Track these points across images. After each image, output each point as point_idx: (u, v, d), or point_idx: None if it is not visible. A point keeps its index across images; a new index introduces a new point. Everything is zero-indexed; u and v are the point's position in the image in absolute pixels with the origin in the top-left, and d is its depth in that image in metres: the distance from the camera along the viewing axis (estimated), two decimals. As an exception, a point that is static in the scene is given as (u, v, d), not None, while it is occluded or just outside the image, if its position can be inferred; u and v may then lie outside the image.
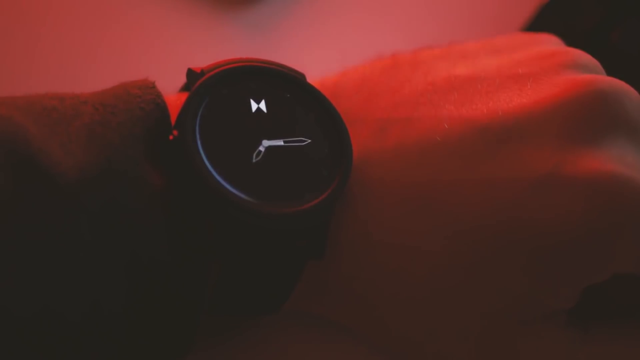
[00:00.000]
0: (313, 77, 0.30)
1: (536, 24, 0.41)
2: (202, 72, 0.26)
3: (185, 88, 0.28)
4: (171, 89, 0.29)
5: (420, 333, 0.27)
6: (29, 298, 0.22)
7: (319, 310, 0.29)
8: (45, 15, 0.41)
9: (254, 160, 0.25)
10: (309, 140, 0.27)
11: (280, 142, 0.26)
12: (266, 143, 0.26)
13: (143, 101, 0.25)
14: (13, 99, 0.25)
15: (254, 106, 0.26)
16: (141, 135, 0.24)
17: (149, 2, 0.42)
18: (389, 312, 0.27)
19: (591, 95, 0.26)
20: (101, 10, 0.42)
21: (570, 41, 0.31)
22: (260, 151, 0.26)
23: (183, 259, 0.24)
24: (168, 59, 0.39)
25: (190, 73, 0.27)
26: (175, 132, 0.25)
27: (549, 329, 0.27)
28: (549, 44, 0.31)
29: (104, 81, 0.28)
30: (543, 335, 0.27)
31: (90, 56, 0.39)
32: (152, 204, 0.24)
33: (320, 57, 0.38)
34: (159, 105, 0.25)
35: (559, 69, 0.28)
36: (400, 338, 0.28)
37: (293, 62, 0.30)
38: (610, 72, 0.28)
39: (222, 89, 0.26)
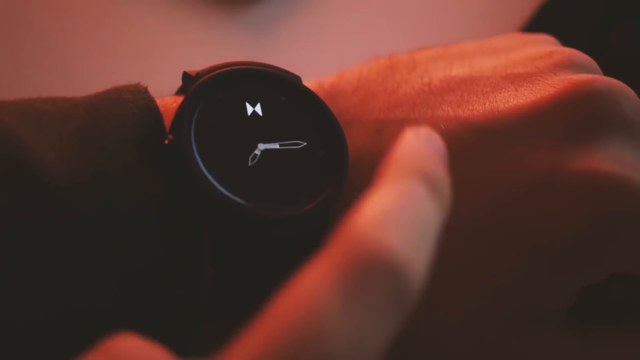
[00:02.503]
0: (310, 79, 0.30)
1: (536, 24, 0.41)
2: (198, 76, 0.26)
3: (181, 91, 0.28)
4: (168, 91, 0.29)
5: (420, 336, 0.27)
6: (23, 304, 0.22)
7: None
8: (43, 16, 0.41)
9: (249, 164, 0.25)
10: (305, 143, 0.27)
11: (276, 146, 0.26)
12: (262, 146, 0.26)
13: (135, 106, 0.25)
14: (4, 103, 0.25)
15: (249, 109, 0.26)
16: (134, 140, 0.24)
17: (146, 4, 0.42)
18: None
19: (587, 95, 0.26)
20: (97, 11, 0.42)
21: (570, 41, 0.31)
22: (256, 155, 0.26)
23: (178, 265, 0.24)
24: (165, 60, 0.39)
25: (186, 76, 0.27)
26: (170, 136, 0.25)
27: (547, 329, 0.27)
28: (546, 44, 0.31)
29: (100, 83, 0.28)
30: (541, 336, 0.27)
31: (86, 57, 0.39)
32: (145, 210, 0.24)
33: (318, 59, 0.38)
34: (152, 110, 0.25)
35: (555, 69, 0.28)
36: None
37: (290, 63, 0.30)
38: (609, 72, 0.28)
39: (217, 93, 0.26)
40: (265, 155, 0.26)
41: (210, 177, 0.24)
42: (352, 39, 0.41)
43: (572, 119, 0.26)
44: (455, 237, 0.26)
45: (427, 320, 0.27)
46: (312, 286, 0.17)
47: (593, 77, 0.27)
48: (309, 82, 0.30)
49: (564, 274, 0.26)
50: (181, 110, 0.25)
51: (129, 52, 0.39)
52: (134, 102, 0.25)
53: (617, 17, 0.39)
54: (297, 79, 0.28)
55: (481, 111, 0.27)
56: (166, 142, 0.25)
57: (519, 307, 0.26)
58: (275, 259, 0.26)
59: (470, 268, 0.26)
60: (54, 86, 0.28)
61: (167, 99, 0.27)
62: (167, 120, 0.26)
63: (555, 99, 0.26)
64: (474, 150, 0.26)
